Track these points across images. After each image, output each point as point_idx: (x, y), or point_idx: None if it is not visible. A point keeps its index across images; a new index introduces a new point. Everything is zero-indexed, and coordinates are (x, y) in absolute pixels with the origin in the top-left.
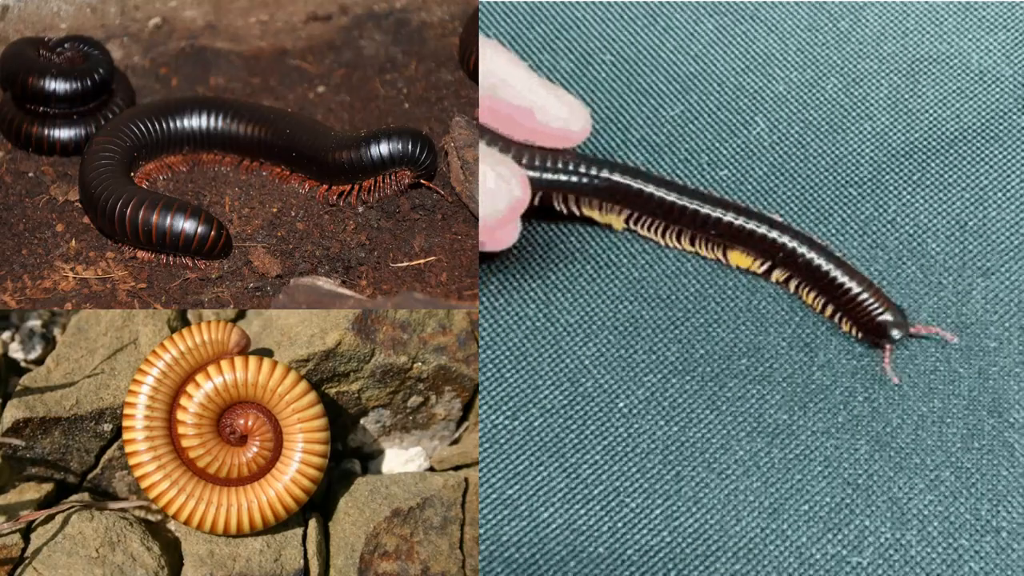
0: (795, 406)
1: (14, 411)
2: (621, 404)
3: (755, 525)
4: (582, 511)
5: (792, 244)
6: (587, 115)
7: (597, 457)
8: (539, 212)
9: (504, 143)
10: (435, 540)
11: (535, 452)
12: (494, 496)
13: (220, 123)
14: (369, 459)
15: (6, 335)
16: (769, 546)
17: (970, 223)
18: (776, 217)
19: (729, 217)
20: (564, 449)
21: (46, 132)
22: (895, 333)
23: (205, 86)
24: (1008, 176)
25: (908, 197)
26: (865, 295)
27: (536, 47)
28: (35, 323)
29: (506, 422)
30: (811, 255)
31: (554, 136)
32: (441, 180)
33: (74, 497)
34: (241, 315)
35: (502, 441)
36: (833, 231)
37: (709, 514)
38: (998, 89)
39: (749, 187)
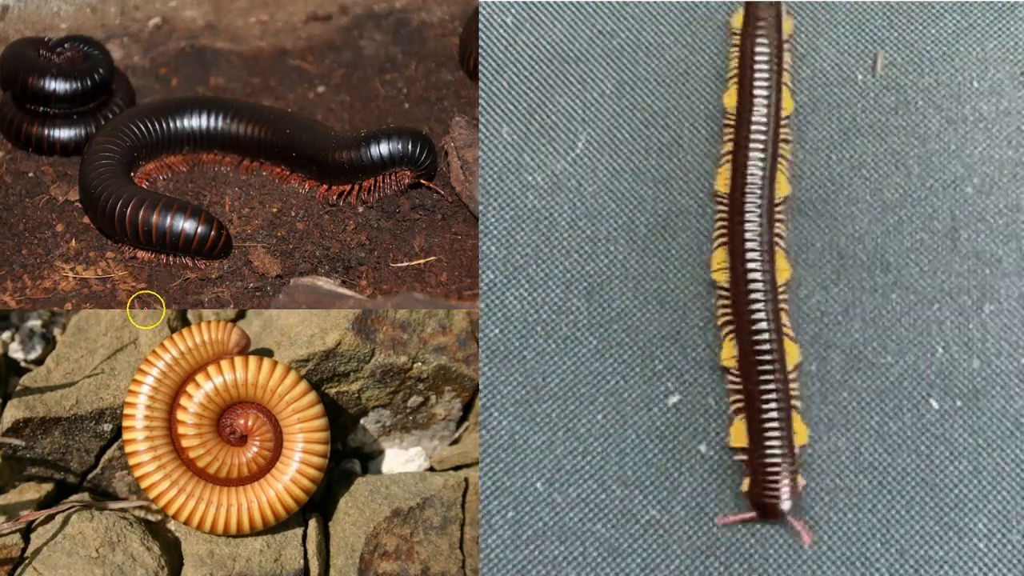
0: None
1: (14, 411)
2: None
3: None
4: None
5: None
6: None
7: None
8: None
9: None
10: (435, 540)
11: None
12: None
13: (220, 123)
14: (369, 459)
15: (6, 335)
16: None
17: None
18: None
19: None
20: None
21: (46, 132)
22: (773, 518)
23: (205, 86)
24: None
25: None
26: (778, 472)
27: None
28: (35, 323)
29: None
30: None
31: None
32: (441, 180)
33: (74, 497)
34: (241, 315)
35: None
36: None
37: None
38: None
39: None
